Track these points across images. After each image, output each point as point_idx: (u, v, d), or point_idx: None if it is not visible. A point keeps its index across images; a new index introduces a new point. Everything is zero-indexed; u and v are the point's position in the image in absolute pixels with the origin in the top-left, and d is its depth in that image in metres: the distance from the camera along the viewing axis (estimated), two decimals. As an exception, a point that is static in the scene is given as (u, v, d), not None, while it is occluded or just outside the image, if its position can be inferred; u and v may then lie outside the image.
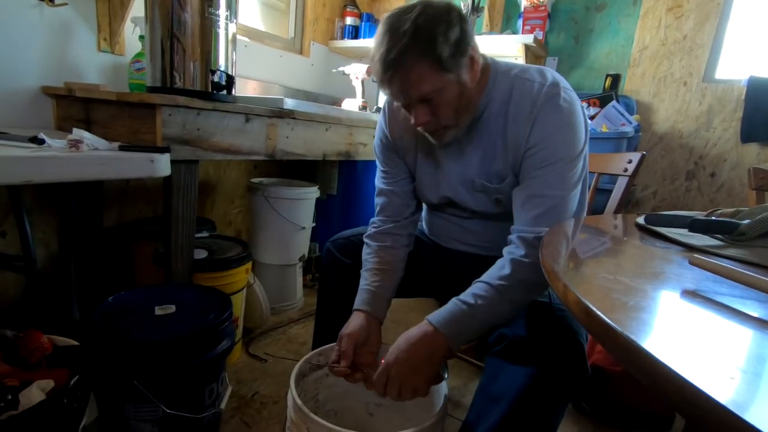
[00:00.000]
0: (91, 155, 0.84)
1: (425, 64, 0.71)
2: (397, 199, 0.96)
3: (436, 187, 0.92)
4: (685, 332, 0.30)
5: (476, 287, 0.75)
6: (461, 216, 0.95)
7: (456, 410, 1.31)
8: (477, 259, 0.91)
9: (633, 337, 0.25)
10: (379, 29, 0.74)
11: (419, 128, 0.81)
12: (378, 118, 0.99)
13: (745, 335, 0.31)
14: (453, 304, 0.74)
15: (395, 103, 0.92)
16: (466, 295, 0.74)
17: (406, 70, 0.71)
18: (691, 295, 0.37)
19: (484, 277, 0.76)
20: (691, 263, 0.41)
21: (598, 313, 0.28)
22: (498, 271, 0.74)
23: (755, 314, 0.34)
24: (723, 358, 0.26)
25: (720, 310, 0.35)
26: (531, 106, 0.77)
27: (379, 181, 1.00)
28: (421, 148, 0.92)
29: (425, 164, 0.92)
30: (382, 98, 2.13)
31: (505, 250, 0.77)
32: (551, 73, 0.81)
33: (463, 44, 0.73)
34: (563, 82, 0.79)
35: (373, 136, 1.69)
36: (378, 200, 0.99)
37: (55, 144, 0.87)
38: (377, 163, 1.00)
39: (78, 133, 0.85)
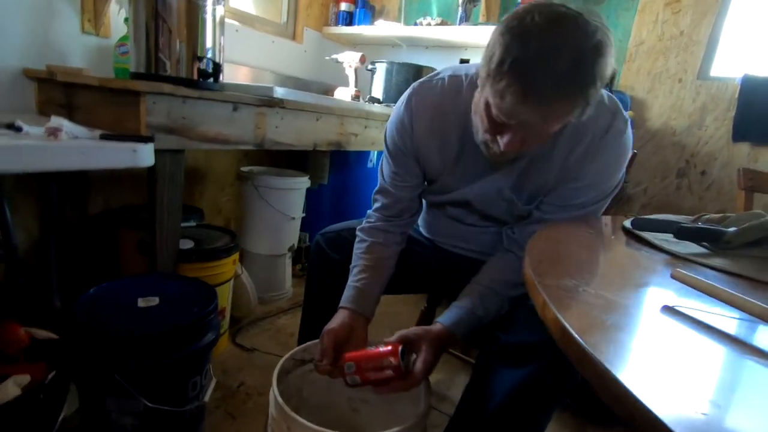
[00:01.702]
0: (70, 144, 0.82)
1: (573, 108, 0.60)
2: (401, 203, 0.91)
3: (457, 189, 0.87)
4: (661, 356, 0.30)
5: (487, 297, 0.79)
6: (466, 222, 0.93)
7: (442, 404, 1.32)
8: (476, 263, 0.89)
9: (609, 366, 0.24)
10: (526, 32, 0.57)
11: (494, 147, 0.70)
12: (395, 114, 0.88)
13: (718, 358, 0.31)
14: (467, 312, 0.78)
15: (422, 102, 0.83)
16: (476, 306, 0.78)
17: (551, 111, 0.60)
18: (670, 311, 0.36)
19: (496, 285, 0.80)
20: (673, 277, 0.40)
21: (575, 335, 0.28)
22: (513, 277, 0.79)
23: (731, 333, 0.34)
24: (696, 389, 0.25)
25: (697, 328, 0.34)
26: (597, 136, 0.73)
27: (385, 181, 0.92)
28: (451, 153, 0.84)
29: (453, 169, 0.85)
30: (376, 88, 2.10)
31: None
32: (609, 95, 0.75)
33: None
34: (624, 111, 0.75)
35: (365, 127, 1.69)
36: (379, 198, 0.93)
37: (34, 131, 0.84)
38: (387, 161, 0.91)
39: (56, 120, 0.83)
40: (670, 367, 0.28)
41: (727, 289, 0.36)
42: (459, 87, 0.81)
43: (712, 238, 0.60)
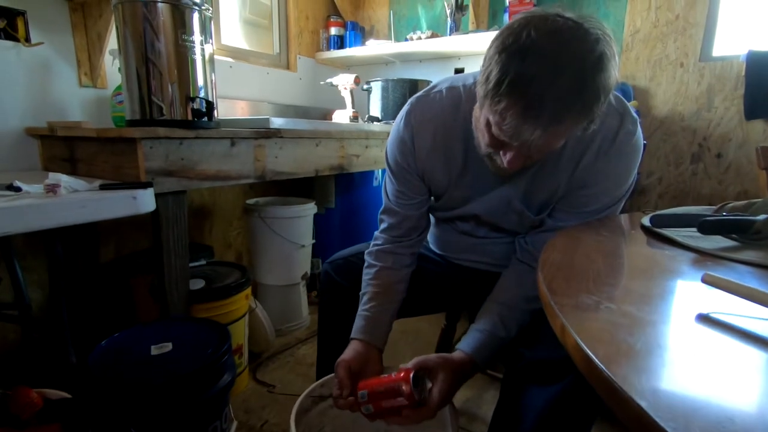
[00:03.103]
0: (69, 199, 0.81)
1: (577, 126, 0.58)
2: (408, 222, 0.88)
3: (465, 204, 0.84)
4: (702, 381, 0.26)
5: (506, 315, 0.75)
6: (477, 235, 0.90)
7: (473, 423, 1.27)
8: (492, 276, 0.86)
9: (644, 404, 0.21)
10: (524, 50, 0.54)
11: (497, 160, 0.67)
12: (395, 132, 0.85)
13: (766, 372, 0.27)
14: (488, 335, 0.74)
15: (421, 117, 0.80)
16: (497, 326, 0.75)
17: (553, 131, 0.57)
18: (706, 320, 0.33)
19: (514, 301, 0.77)
20: (704, 282, 0.37)
21: (602, 367, 0.24)
22: (530, 291, 0.75)
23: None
24: (752, 419, 0.22)
25: (738, 338, 0.30)
26: (608, 139, 0.70)
27: (390, 200, 0.89)
28: (456, 166, 0.81)
29: (459, 182, 0.82)
30: (374, 106, 2.10)
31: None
32: (616, 95, 0.72)
33: None
34: (632, 110, 0.72)
35: (366, 147, 1.68)
36: (385, 218, 0.90)
37: (33, 190, 0.84)
38: (390, 180, 0.88)
39: (54, 177, 0.83)
40: (713, 393, 0.24)
41: (765, 291, 0.32)
42: (458, 99, 0.78)
43: (739, 229, 0.56)
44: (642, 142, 0.73)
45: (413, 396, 0.65)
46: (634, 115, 0.71)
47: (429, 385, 0.69)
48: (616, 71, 0.56)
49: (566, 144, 0.71)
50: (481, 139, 0.68)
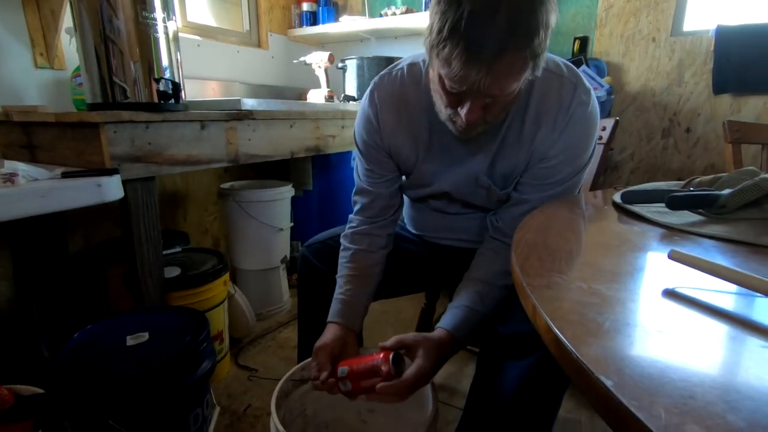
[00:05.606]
0: (28, 188, 0.77)
1: (521, 62, 0.58)
2: (381, 200, 0.88)
3: (433, 181, 0.84)
4: (668, 358, 0.27)
5: (484, 292, 0.76)
6: (450, 212, 0.90)
7: (453, 398, 1.30)
8: (468, 252, 0.87)
9: (610, 384, 0.21)
10: None
11: (458, 120, 0.67)
12: (361, 111, 0.86)
13: (731, 347, 0.28)
14: (467, 310, 0.74)
15: (385, 95, 0.81)
16: (475, 302, 0.75)
17: (499, 69, 0.57)
18: (672, 295, 0.33)
19: (490, 277, 0.77)
20: (671, 258, 0.37)
21: (570, 348, 0.25)
22: (505, 266, 0.75)
23: (739, 312, 0.31)
24: (716, 395, 0.22)
25: (703, 312, 0.31)
26: (562, 111, 0.71)
27: (361, 180, 0.89)
28: (422, 142, 0.81)
29: (426, 158, 0.82)
30: (350, 85, 2.06)
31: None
32: (568, 65, 0.73)
33: (551, 35, 0.59)
34: (586, 80, 0.73)
35: (342, 127, 1.65)
36: (358, 198, 0.90)
37: (-11, 180, 0.80)
38: (359, 160, 0.89)
39: (11, 165, 0.78)
40: (676, 369, 0.25)
41: (730, 267, 0.33)
42: (419, 74, 0.79)
43: (706, 204, 0.57)
44: (597, 111, 0.74)
45: (391, 375, 0.66)
46: (587, 85, 0.73)
47: (408, 363, 0.70)
48: (555, 9, 0.57)
49: (525, 118, 0.73)
50: (440, 101, 0.68)
